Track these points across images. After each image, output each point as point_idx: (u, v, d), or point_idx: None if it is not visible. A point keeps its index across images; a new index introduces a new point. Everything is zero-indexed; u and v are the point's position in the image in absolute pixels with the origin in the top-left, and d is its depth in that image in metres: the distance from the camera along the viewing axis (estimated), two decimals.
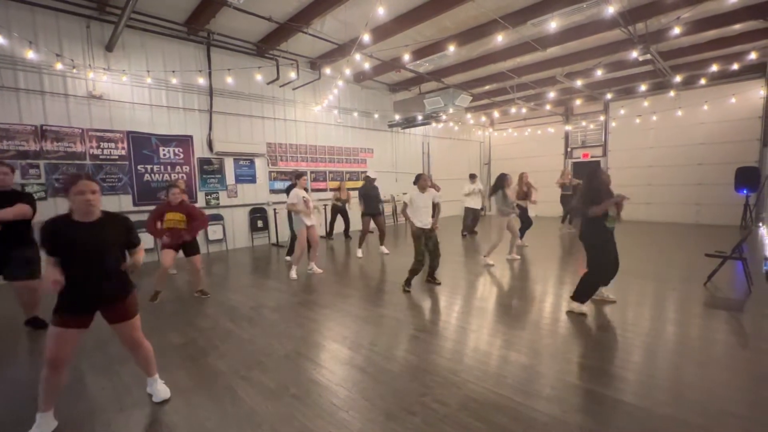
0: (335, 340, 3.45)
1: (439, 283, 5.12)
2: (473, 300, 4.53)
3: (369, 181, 7.43)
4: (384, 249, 7.35)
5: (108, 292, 2.24)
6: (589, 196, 3.81)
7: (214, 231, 8.05)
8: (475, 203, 9.19)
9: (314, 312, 4.22)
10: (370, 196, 7.24)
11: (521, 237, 7.44)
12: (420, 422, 2.22)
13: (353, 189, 8.43)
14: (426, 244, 4.86)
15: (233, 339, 3.53)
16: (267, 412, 2.37)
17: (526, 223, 7.60)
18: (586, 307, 3.95)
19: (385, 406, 2.39)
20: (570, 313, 3.92)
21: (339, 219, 9.30)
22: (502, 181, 6.19)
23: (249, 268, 6.69)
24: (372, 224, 7.25)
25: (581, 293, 3.91)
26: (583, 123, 13.15)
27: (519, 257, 6.58)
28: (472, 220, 9.32)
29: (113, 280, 2.25)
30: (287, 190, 7.17)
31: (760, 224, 9.32)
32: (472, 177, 9.42)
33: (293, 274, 5.64)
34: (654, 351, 3.10)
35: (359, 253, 7.20)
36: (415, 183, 4.96)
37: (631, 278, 5.26)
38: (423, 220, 4.84)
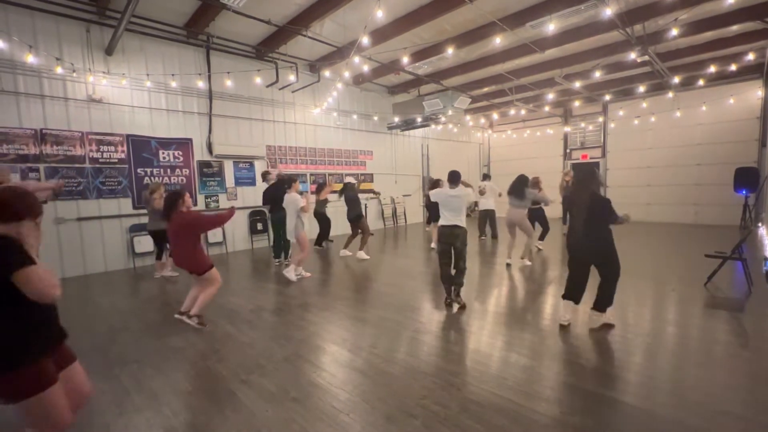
0: (335, 343, 3.44)
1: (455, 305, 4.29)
2: (473, 302, 4.52)
3: (348, 187, 7.46)
4: (362, 254, 7.05)
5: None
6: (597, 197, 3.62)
7: (213, 234, 8.04)
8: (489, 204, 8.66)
9: (314, 314, 4.22)
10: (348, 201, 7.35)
11: (541, 239, 7.39)
12: (420, 425, 2.22)
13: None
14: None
15: (233, 342, 3.53)
16: (267, 415, 2.37)
17: (544, 225, 7.41)
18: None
19: (386, 409, 2.39)
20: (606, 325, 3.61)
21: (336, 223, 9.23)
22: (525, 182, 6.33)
23: (248, 271, 6.68)
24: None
25: (609, 301, 3.59)
26: (582, 124, 13.19)
27: (510, 263, 6.16)
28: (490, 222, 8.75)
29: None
30: (266, 195, 6.94)
31: (760, 224, 9.33)
32: (487, 177, 9.17)
33: (293, 276, 5.63)
34: (654, 352, 3.10)
35: (363, 255, 7.05)
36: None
37: (631, 279, 5.25)
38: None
